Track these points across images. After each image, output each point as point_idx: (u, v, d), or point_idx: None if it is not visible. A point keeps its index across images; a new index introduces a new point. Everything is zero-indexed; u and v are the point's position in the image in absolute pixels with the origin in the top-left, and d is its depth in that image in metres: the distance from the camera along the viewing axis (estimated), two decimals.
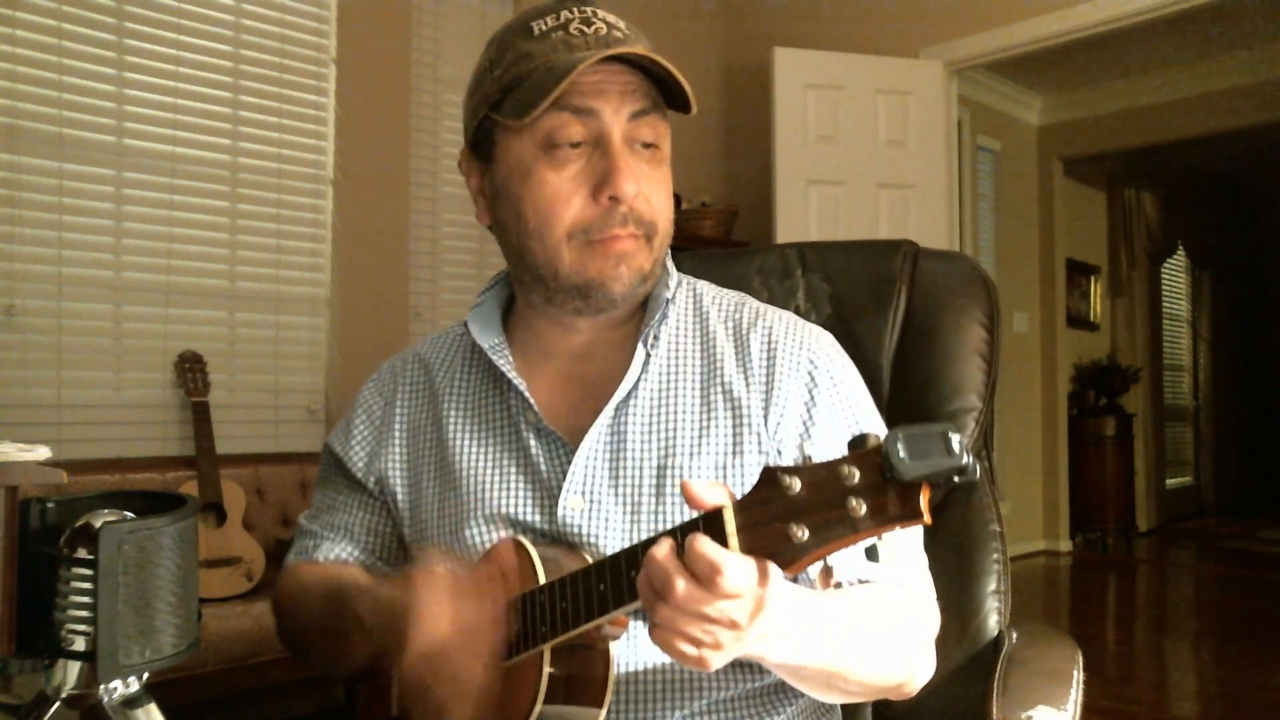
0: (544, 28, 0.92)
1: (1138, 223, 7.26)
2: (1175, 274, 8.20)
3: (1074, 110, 6.22)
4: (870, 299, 1.23)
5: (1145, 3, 3.57)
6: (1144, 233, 7.32)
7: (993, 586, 1.13)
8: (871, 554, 0.60)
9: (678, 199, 4.03)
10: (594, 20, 0.92)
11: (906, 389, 1.19)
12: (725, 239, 4.06)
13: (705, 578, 0.63)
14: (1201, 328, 8.52)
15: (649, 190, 0.92)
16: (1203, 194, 8.01)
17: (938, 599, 0.93)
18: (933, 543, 0.96)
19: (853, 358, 1.02)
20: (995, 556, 1.14)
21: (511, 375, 0.96)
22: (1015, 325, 5.95)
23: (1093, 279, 6.87)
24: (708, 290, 1.04)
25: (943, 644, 0.91)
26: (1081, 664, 1.07)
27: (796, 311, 1.24)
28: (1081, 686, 1.04)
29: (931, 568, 0.94)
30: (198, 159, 3.11)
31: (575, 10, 0.93)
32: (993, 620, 1.12)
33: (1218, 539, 7.16)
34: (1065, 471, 6.26)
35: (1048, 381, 6.23)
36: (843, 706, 1.05)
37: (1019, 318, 6.00)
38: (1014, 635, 1.10)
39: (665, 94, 0.94)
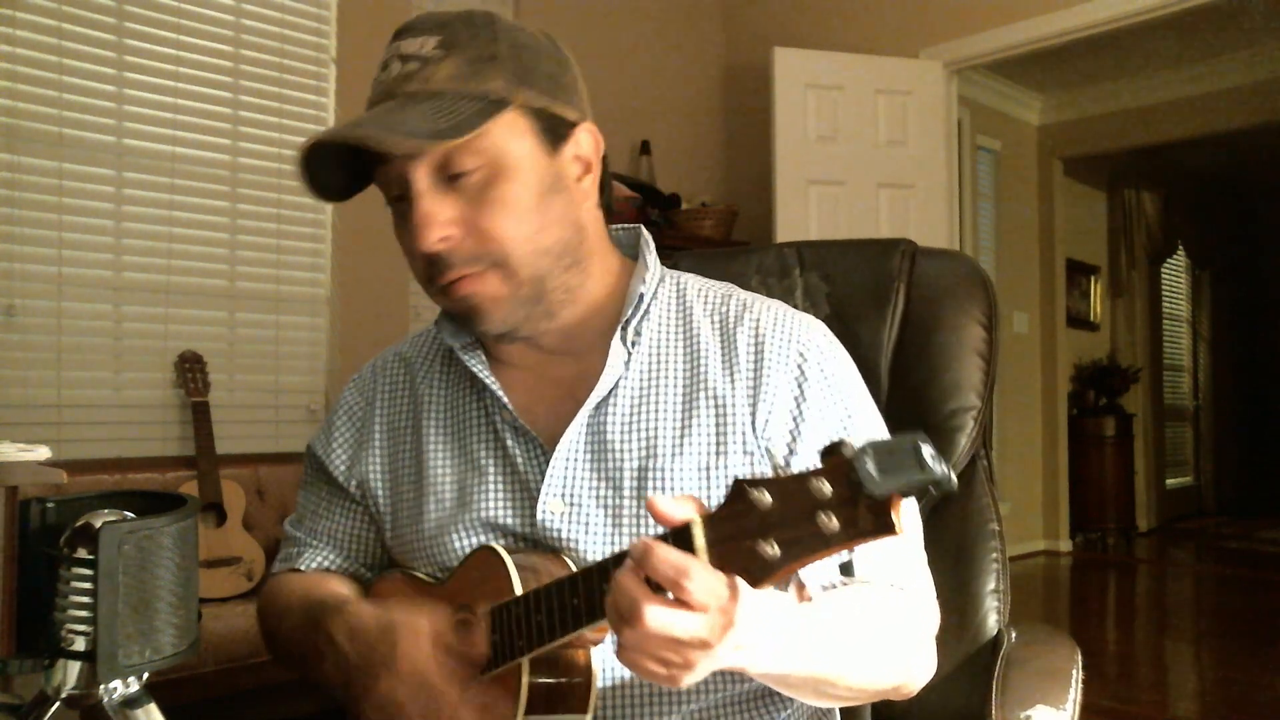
0: (383, 58, 0.90)
1: (1138, 223, 7.26)
2: (1175, 274, 8.19)
3: (1074, 110, 6.22)
4: (869, 298, 1.23)
5: (1145, 3, 3.56)
6: (1144, 233, 7.32)
7: (992, 586, 1.13)
8: (846, 569, 0.59)
9: (677, 198, 4.03)
10: (391, 63, 0.88)
11: (905, 388, 1.19)
12: (725, 239, 4.06)
13: (670, 582, 0.61)
14: (1201, 328, 8.51)
15: (478, 220, 0.86)
16: (1203, 194, 8.01)
17: (937, 598, 0.92)
18: (932, 543, 0.96)
19: (851, 357, 1.01)
20: (994, 556, 1.14)
21: (483, 374, 0.94)
22: (1015, 325, 5.95)
23: (1093, 279, 6.87)
24: (692, 283, 1.00)
25: (942, 644, 0.91)
26: (1081, 664, 1.07)
27: None
28: (1081, 686, 1.04)
29: (931, 568, 0.94)
30: (198, 159, 3.11)
31: (395, 42, 0.89)
32: (992, 620, 1.12)
33: (1218, 539, 7.16)
34: (1065, 471, 6.26)
35: (1048, 381, 6.23)
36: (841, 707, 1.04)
37: (1019, 318, 6.00)
38: (1013, 635, 1.10)
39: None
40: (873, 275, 1.24)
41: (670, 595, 0.63)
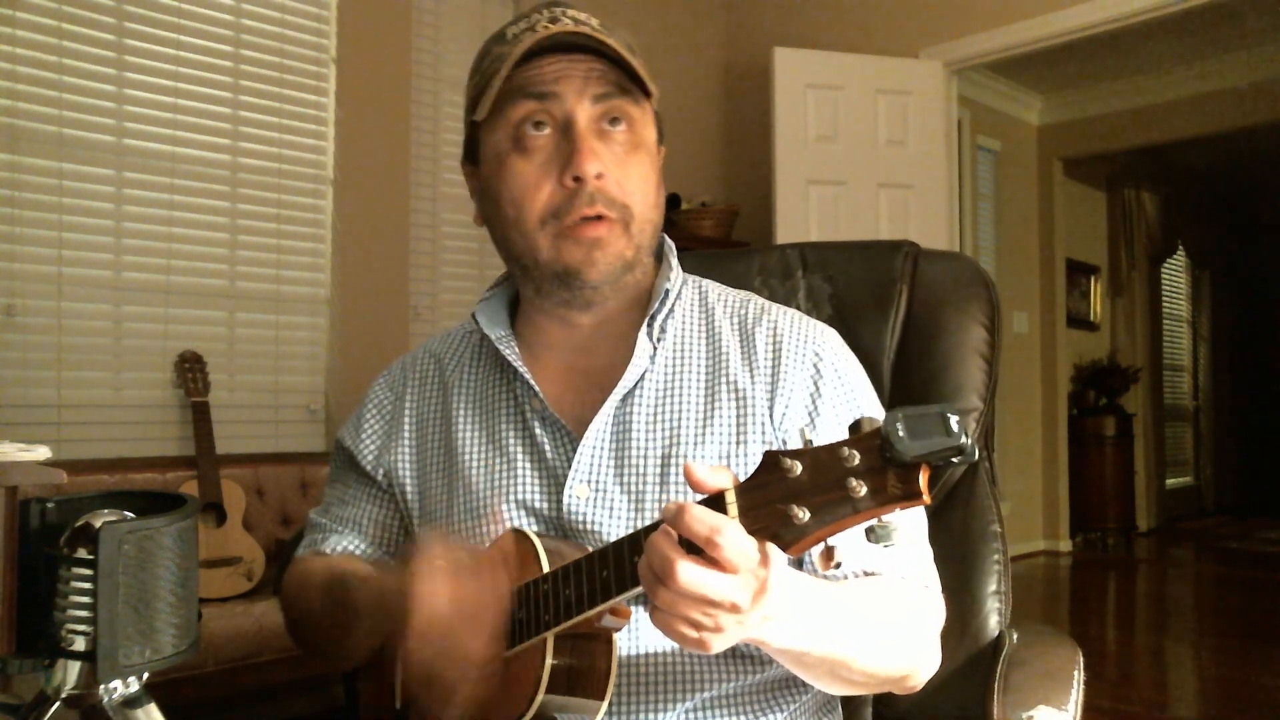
0: (515, 31, 0.95)
1: (1138, 223, 7.26)
2: (1175, 274, 8.19)
3: (1074, 110, 6.22)
4: (871, 299, 1.23)
5: (1145, 3, 3.56)
6: (1144, 233, 7.32)
7: (993, 587, 1.13)
8: (871, 535, 0.61)
9: (677, 198, 4.03)
10: (560, 18, 0.94)
11: (907, 389, 1.19)
12: (725, 239, 4.06)
13: (704, 539, 0.63)
14: (1201, 328, 8.51)
15: (620, 173, 0.93)
16: (1203, 194, 8.01)
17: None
18: (934, 543, 0.96)
19: None
20: (995, 557, 1.14)
21: (516, 363, 0.97)
22: (1015, 325, 5.95)
23: (1093, 279, 6.87)
24: (713, 288, 1.05)
25: (943, 645, 0.91)
26: (1082, 664, 1.07)
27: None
28: (1082, 686, 1.04)
29: None
30: (198, 159, 3.11)
31: (545, 11, 0.95)
32: (993, 620, 1.12)
33: (1218, 539, 7.16)
34: (1065, 471, 6.26)
35: (1048, 381, 6.23)
36: (843, 705, 1.05)
37: (1019, 318, 6.00)
38: (1014, 635, 1.10)
39: (642, 85, 0.94)
40: (875, 277, 1.24)
41: (704, 556, 0.64)
